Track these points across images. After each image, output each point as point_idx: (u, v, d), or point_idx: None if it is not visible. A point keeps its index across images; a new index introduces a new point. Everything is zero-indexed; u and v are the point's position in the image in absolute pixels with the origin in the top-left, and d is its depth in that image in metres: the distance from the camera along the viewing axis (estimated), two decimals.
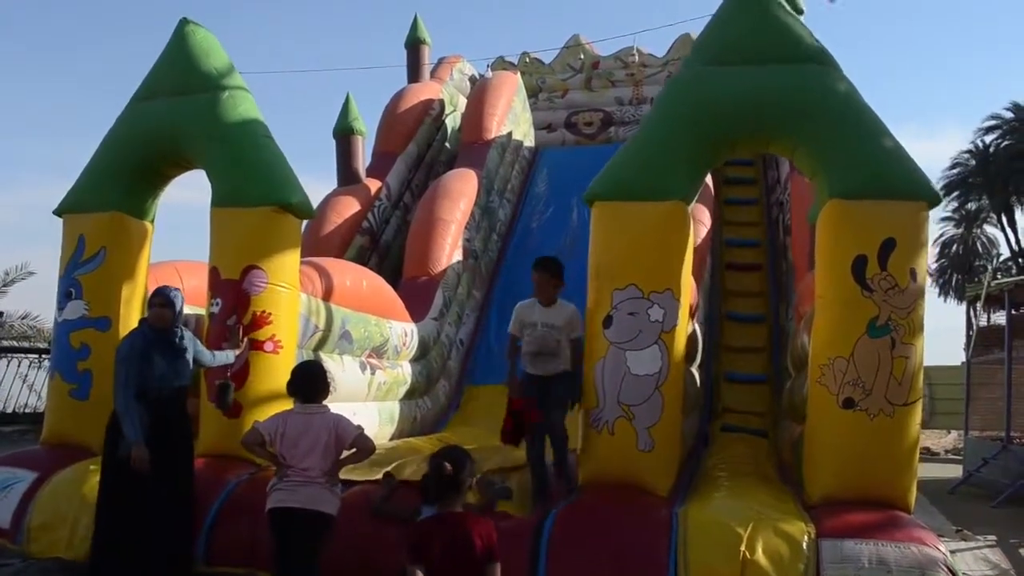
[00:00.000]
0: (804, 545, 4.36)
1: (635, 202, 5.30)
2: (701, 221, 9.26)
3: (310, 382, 4.62)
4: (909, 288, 4.90)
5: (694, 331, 6.75)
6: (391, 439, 7.76)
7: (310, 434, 4.39)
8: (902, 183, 5.07)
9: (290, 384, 4.66)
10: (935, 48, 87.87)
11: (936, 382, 15.28)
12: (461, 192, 10.79)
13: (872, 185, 5.04)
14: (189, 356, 5.13)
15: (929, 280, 5.21)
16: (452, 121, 13.85)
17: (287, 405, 5.00)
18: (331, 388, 4.82)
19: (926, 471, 5.65)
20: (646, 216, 5.28)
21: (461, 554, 3.47)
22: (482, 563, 3.49)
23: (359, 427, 4.54)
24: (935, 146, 77.53)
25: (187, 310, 6.92)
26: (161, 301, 5.02)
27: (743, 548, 4.34)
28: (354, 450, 4.51)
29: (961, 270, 31.51)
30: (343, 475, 4.73)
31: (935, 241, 30.87)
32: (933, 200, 5.17)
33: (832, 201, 5.13)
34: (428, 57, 14.06)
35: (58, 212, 6.46)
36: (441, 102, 13.44)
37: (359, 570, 4.67)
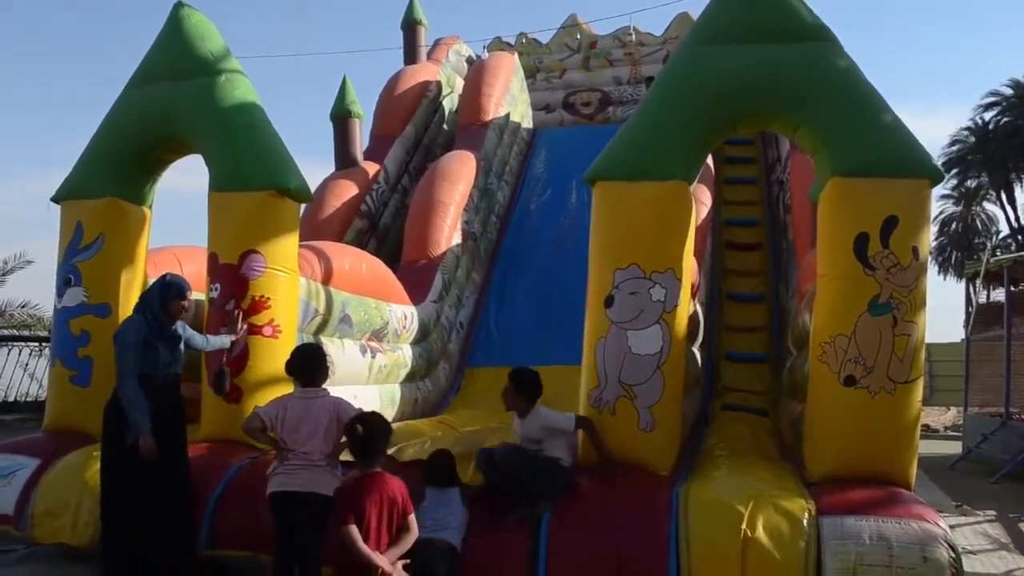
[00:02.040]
0: (805, 522, 4.38)
1: (637, 182, 5.28)
2: (702, 201, 9.23)
3: (309, 364, 4.64)
4: (911, 266, 4.89)
5: (695, 311, 6.75)
6: (392, 422, 7.75)
7: (310, 418, 4.40)
8: (904, 160, 5.05)
9: (289, 364, 4.69)
10: (932, 26, 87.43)
11: (936, 359, 15.33)
12: (459, 174, 10.76)
13: (874, 163, 5.01)
14: (182, 344, 5.14)
15: (929, 257, 5.19)
16: (449, 103, 13.78)
17: (287, 389, 5.01)
18: (330, 372, 4.82)
19: (926, 448, 5.68)
20: (648, 196, 5.25)
21: (387, 509, 3.97)
22: (403, 515, 4.04)
23: (359, 410, 4.55)
24: (933, 124, 77.28)
25: None
26: (185, 295, 5.06)
27: (744, 526, 4.36)
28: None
29: (960, 247, 31.52)
30: (345, 458, 4.73)
31: (935, 219, 30.84)
32: (936, 177, 5.14)
33: (834, 179, 5.11)
34: (425, 39, 13.99)
35: (56, 199, 6.42)
36: (438, 84, 13.38)
37: None
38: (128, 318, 5.13)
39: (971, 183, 31.37)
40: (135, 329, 4.86)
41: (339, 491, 4.07)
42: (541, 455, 5.03)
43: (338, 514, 3.94)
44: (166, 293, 5.00)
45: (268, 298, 5.79)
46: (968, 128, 30.00)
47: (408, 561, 4.09)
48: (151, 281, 6.54)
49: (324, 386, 4.68)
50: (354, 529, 3.86)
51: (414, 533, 4.09)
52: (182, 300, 5.04)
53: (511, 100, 13.47)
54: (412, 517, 4.10)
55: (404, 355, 8.28)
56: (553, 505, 4.74)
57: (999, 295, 12.16)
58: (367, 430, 4.10)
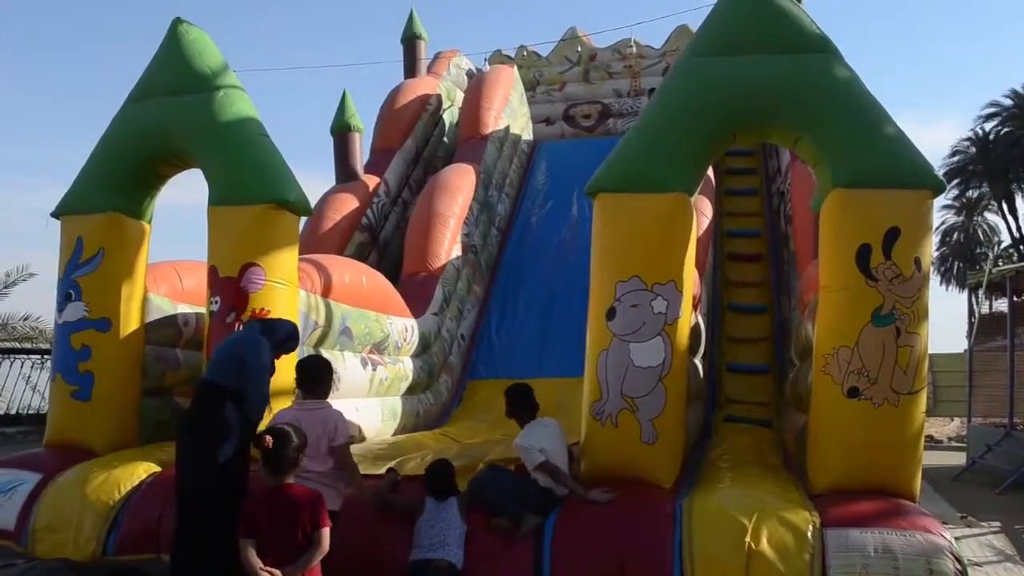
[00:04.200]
0: (809, 535, 4.35)
1: (638, 194, 5.27)
2: (703, 213, 9.24)
3: (310, 376, 4.66)
4: (914, 277, 4.87)
5: (697, 323, 6.73)
6: (394, 434, 7.76)
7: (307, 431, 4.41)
8: (906, 171, 5.03)
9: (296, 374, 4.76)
10: (929, 36, 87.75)
11: (939, 370, 15.27)
12: (459, 187, 10.78)
13: (876, 174, 5.00)
14: None
15: (931, 268, 5.17)
16: (450, 116, 13.82)
17: (287, 400, 5.01)
18: (335, 386, 4.84)
19: (929, 459, 5.67)
20: (649, 208, 5.25)
21: (287, 523, 3.85)
22: (309, 530, 3.87)
23: (349, 438, 4.59)
24: (931, 135, 77.50)
25: (187, 309, 6.94)
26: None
27: (748, 539, 4.34)
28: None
29: (962, 258, 31.50)
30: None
31: (936, 229, 30.82)
32: (937, 188, 5.11)
33: (835, 190, 5.09)
34: (425, 52, 14.04)
35: (56, 214, 6.42)
36: (438, 97, 13.41)
37: (363, 564, 4.67)
38: (253, 338, 4.82)
39: (972, 193, 31.37)
40: (270, 354, 4.75)
41: (244, 503, 4.00)
42: (524, 479, 4.97)
43: (239, 527, 3.89)
44: (290, 340, 5.02)
45: (268, 311, 5.77)
46: (969, 139, 30.02)
47: None
48: (151, 296, 6.55)
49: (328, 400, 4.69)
50: (247, 543, 3.80)
51: (323, 549, 3.90)
52: (292, 350, 5.11)
53: (511, 113, 13.50)
54: (323, 532, 3.91)
55: (405, 368, 8.26)
56: (538, 522, 4.71)
57: (1002, 305, 12.14)
58: (276, 442, 4.01)
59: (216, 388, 4.57)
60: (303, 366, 4.83)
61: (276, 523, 3.86)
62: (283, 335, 4.96)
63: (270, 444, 3.99)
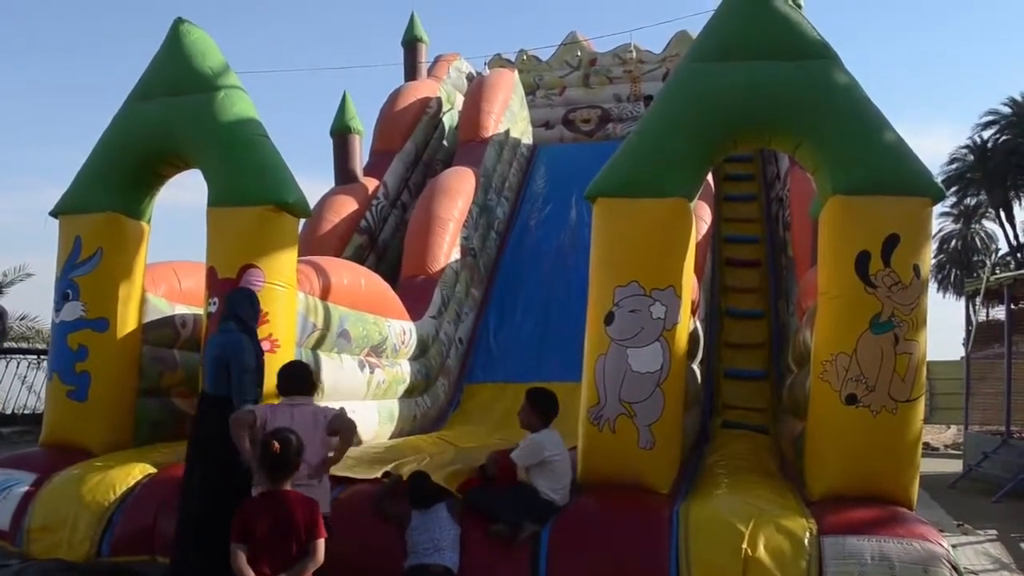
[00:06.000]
0: (806, 542, 4.35)
1: (638, 199, 5.28)
2: (702, 218, 9.24)
3: (288, 378, 4.65)
4: (912, 284, 4.87)
5: (695, 328, 6.73)
6: (391, 437, 7.74)
7: (295, 427, 4.39)
8: (906, 179, 5.04)
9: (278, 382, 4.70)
10: (927, 44, 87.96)
11: (936, 377, 15.29)
12: (459, 190, 10.77)
13: (875, 181, 5.00)
14: None
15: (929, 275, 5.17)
16: (449, 119, 13.83)
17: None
18: (319, 390, 4.82)
19: (926, 466, 5.66)
20: (649, 213, 5.25)
21: (283, 531, 3.77)
22: (304, 539, 3.78)
23: (339, 409, 4.54)
24: (929, 142, 77.63)
25: (184, 310, 6.92)
26: None
27: (745, 545, 4.33)
28: (337, 438, 4.51)
29: (960, 265, 31.58)
30: (344, 472, 4.70)
31: (933, 237, 30.84)
32: (937, 195, 5.13)
33: (835, 197, 5.10)
34: (425, 55, 14.05)
35: (54, 213, 6.42)
36: (438, 100, 13.42)
37: (359, 568, 4.65)
38: (236, 340, 4.76)
39: (970, 201, 31.46)
40: (252, 352, 4.68)
41: (239, 508, 3.92)
42: (522, 486, 4.95)
43: (232, 531, 3.82)
44: (252, 306, 4.96)
45: (266, 313, 5.75)
46: (967, 146, 30.09)
47: None
48: (148, 296, 6.53)
49: (317, 402, 4.67)
50: (239, 549, 3.74)
51: (317, 560, 3.81)
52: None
53: (511, 116, 13.50)
54: (319, 543, 3.82)
55: (403, 371, 8.25)
56: (536, 529, 4.69)
57: (999, 313, 12.17)
58: (283, 448, 3.93)
59: (212, 399, 4.62)
60: (285, 373, 4.74)
61: (272, 530, 3.80)
62: (248, 308, 4.94)
63: (278, 449, 3.92)
